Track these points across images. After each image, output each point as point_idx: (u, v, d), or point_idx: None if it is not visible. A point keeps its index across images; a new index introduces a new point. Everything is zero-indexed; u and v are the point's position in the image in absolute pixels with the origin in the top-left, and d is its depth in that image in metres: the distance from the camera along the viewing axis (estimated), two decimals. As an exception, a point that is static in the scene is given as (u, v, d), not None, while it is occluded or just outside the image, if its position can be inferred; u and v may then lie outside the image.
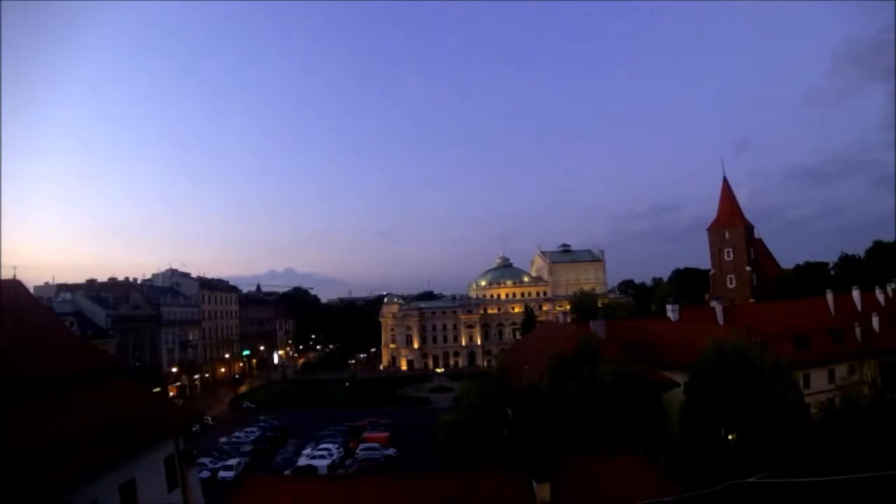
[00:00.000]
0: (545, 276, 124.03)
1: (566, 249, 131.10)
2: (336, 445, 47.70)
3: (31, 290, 27.24)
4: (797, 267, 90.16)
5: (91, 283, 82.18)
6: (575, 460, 20.13)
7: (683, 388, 31.10)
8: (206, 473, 39.35)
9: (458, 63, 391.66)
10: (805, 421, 29.03)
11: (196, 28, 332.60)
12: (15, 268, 22.40)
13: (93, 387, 19.33)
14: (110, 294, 76.34)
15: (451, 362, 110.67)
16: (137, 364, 70.20)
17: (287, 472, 40.78)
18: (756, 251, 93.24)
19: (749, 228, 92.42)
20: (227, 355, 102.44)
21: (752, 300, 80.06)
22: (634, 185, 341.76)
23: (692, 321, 46.80)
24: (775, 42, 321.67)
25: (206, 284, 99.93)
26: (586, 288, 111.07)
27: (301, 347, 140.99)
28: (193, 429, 55.06)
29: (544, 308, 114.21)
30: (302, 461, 44.63)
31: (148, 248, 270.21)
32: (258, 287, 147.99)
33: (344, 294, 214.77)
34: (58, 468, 14.35)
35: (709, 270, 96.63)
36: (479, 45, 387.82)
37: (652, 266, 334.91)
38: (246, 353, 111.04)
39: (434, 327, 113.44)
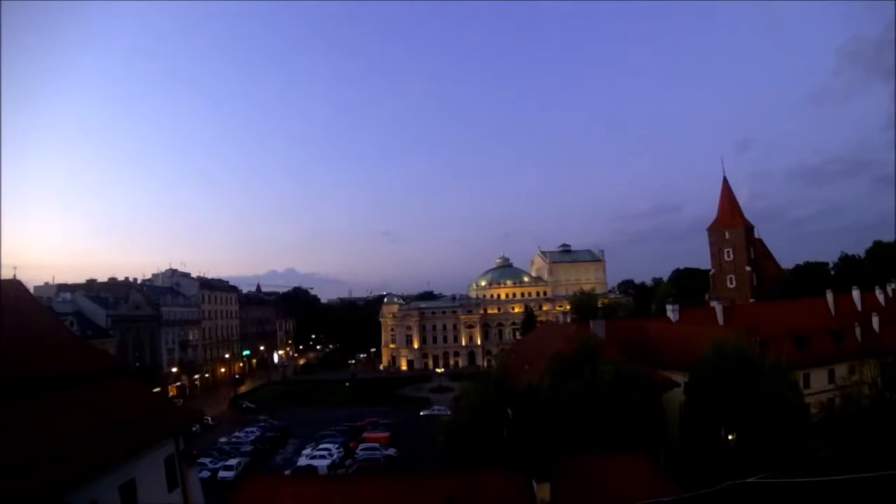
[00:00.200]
0: (545, 276, 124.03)
1: (566, 249, 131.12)
2: (336, 445, 47.70)
3: (31, 290, 27.22)
4: (797, 267, 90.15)
5: (91, 283, 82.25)
6: (575, 460, 20.15)
7: (683, 388, 31.09)
8: (206, 473, 39.33)
9: (459, 63, 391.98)
10: (805, 421, 29.02)
11: (196, 28, 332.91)
12: (15, 268, 22.43)
13: (93, 387, 19.31)
14: (110, 294, 76.40)
15: (451, 362, 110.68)
16: (137, 364, 70.21)
17: (287, 472, 40.77)
18: (756, 251, 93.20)
19: (749, 228, 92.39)
20: (227, 355, 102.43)
21: (752, 300, 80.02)
22: (635, 186, 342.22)
23: (692, 321, 46.77)
24: (778, 41, 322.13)
25: (206, 284, 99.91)
26: (586, 288, 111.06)
27: (301, 347, 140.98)
28: (193, 429, 55.01)
29: (544, 308, 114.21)
30: (302, 461, 44.63)
31: (148, 248, 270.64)
32: (258, 287, 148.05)
33: (344, 294, 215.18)
34: (58, 468, 14.34)
35: (709, 270, 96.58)
36: (481, 45, 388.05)
37: (652, 266, 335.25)
38: (246, 353, 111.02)
39: (434, 327, 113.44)
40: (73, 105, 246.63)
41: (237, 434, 54.84)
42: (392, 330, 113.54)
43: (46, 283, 76.29)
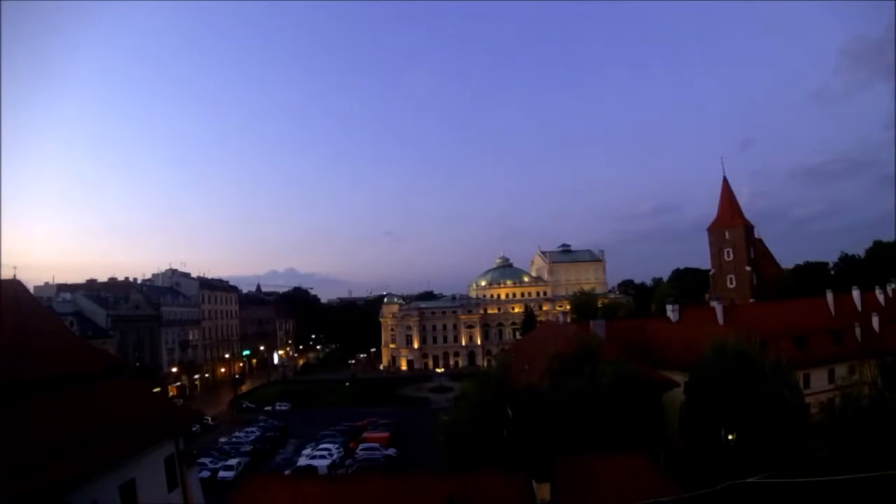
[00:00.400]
0: (545, 276, 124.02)
1: (566, 249, 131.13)
2: (336, 445, 47.71)
3: (31, 290, 27.19)
4: (797, 267, 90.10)
5: (91, 283, 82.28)
6: (575, 460, 20.14)
7: (683, 388, 31.08)
8: (206, 473, 39.33)
9: (461, 63, 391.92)
10: (805, 421, 28.99)
11: (196, 27, 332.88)
12: (15, 268, 22.44)
13: (93, 387, 19.28)
14: (110, 294, 76.41)
15: (451, 362, 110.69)
16: (137, 364, 70.22)
17: (287, 472, 40.77)
18: (756, 251, 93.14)
19: (749, 228, 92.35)
20: (227, 355, 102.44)
21: (752, 300, 79.92)
22: (636, 186, 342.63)
23: (692, 321, 46.74)
24: (780, 41, 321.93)
25: (206, 284, 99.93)
26: (586, 288, 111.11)
27: (301, 347, 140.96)
28: (193, 429, 55.05)
29: (544, 308, 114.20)
30: (302, 461, 44.63)
31: (148, 248, 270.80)
32: (258, 287, 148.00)
33: (344, 294, 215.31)
34: (58, 468, 14.31)
35: (709, 270, 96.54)
36: (483, 45, 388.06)
37: (653, 266, 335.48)
38: (246, 353, 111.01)
39: (434, 327, 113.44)
40: (74, 105, 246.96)
41: (237, 434, 54.85)
42: (392, 330, 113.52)
43: (46, 283, 76.38)
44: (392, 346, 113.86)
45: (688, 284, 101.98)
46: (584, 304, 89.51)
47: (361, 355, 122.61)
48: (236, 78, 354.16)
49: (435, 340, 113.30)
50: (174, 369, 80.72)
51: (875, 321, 48.12)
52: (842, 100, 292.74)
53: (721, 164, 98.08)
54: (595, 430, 24.94)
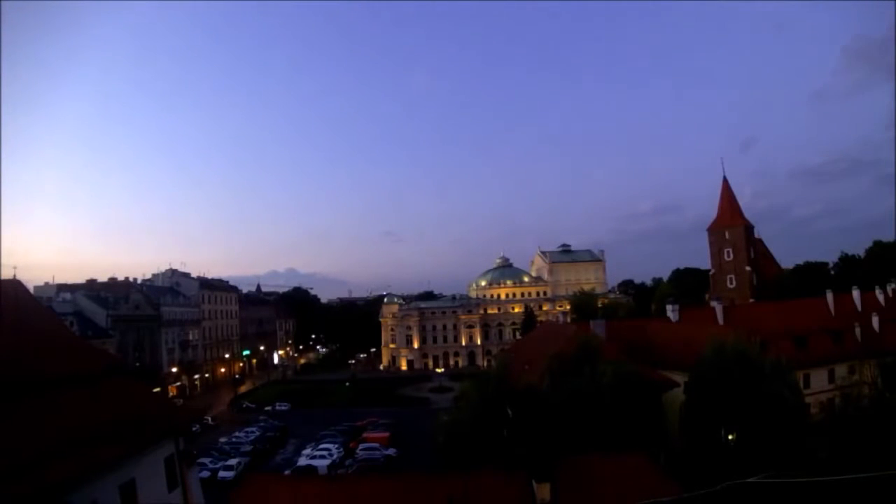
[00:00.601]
0: (545, 276, 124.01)
1: (566, 249, 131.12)
2: (336, 445, 47.70)
3: (31, 290, 27.19)
4: (797, 267, 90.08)
5: (91, 283, 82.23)
6: (575, 460, 20.15)
7: (683, 388, 31.09)
8: (206, 473, 39.32)
9: (461, 63, 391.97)
10: (805, 421, 29.00)
11: (196, 28, 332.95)
12: (15, 268, 22.44)
13: (93, 387, 19.26)
14: (110, 294, 76.37)
15: (451, 362, 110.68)
16: (137, 364, 70.19)
17: (287, 472, 40.77)
18: (756, 251, 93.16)
19: (749, 228, 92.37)
20: (227, 355, 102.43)
21: (752, 300, 79.94)
22: (636, 186, 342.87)
23: (692, 321, 46.76)
24: (782, 40, 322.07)
25: (206, 284, 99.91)
26: (586, 288, 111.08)
27: (301, 347, 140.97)
28: (193, 429, 55.06)
29: (544, 308, 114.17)
30: (302, 461, 44.63)
31: (148, 248, 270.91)
32: (258, 287, 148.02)
33: (344, 294, 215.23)
34: (58, 468, 14.31)
35: (709, 270, 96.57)
36: (483, 46, 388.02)
37: (653, 266, 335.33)
38: (246, 353, 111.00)
39: (434, 327, 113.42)
40: (74, 105, 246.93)
41: (237, 434, 54.84)
42: (392, 330, 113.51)
43: (46, 283, 76.28)
44: (392, 346, 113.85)
45: (688, 284, 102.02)
46: (584, 304, 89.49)
47: (361, 355, 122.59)
48: (236, 79, 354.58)
49: (435, 340, 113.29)
50: (174, 369, 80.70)
51: (875, 321, 48.12)
52: (843, 100, 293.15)
53: (721, 164, 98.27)
54: (595, 430, 24.94)
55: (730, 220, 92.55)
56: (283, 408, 73.61)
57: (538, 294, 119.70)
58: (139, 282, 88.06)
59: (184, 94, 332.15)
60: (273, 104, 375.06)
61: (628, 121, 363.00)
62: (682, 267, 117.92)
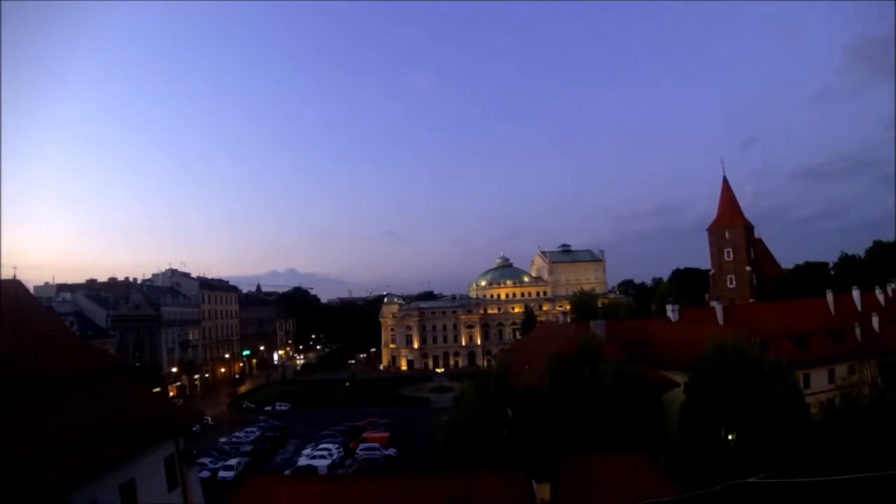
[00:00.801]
0: (545, 276, 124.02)
1: (566, 249, 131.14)
2: (336, 445, 47.70)
3: (31, 290, 27.19)
4: (797, 267, 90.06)
5: (91, 283, 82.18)
6: (575, 460, 20.14)
7: (683, 388, 31.09)
8: (206, 473, 39.31)
9: (462, 64, 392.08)
10: (805, 421, 29.01)
11: (196, 27, 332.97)
12: (15, 268, 22.40)
13: (93, 387, 19.28)
14: (110, 294, 76.34)
15: (451, 362, 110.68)
16: (137, 364, 70.20)
17: (287, 472, 40.77)
18: (756, 251, 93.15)
19: (749, 228, 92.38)
20: (227, 355, 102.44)
21: (752, 300, 79.93)
22: (636, 186, 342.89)
23: (692, 321, 46.77)
24: (784, 39, 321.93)
25: (206, 284, 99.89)
26: (586, 288, 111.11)
27: (301, 347, 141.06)
28: (193, 429, 55.05)
29: (544, 308, 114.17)
30: (302, 461, 44.63)
31: (148, 248, 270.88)
32: (258, 287, 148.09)
33: (344, 294, 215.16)
34: (58, 468, 14.32)
35: (709, 270, 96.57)
36: (484, 46, 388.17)
37: (653, 266, 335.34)
38: (246, 353, 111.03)
39: (434, 327, 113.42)
40: (74, 105, 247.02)
41: (237, 434, 54.84)
42: (392, 330, 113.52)
43: (46, 283, 76.23)
44: (392, 346, 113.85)
45: (688, 284, 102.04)
46: (584, 304, 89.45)
47: (361, 355, 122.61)
48: (236, 78, 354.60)
49: (435, 340, 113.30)
50: (174, 369, 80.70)
51: (875, 321, 48.11)
52: (844, 99, 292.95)
53: (721, 164, 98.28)
54: (595, 430, 24.94)
55: (730, 220, 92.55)
56: (283, 408, 73.66)
57: (538, 294, 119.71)
58: (139, 282, 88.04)
59: (184, 94, 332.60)
60: (273, 104, 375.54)
61: (629, 121, 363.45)
62: (682, 267, 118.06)
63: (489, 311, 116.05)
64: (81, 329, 61.33)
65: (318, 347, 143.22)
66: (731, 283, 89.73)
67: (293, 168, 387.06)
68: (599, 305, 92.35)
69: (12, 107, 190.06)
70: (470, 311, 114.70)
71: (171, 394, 75.22)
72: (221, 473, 42.11)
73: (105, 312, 70.41)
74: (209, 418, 64.08)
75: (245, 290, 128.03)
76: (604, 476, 19.16)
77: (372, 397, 78.84)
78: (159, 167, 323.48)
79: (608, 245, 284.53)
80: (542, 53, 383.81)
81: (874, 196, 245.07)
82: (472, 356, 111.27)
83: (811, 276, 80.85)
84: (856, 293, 52.19)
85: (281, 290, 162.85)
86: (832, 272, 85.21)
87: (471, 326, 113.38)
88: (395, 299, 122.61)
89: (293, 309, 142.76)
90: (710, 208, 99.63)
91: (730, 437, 27.23)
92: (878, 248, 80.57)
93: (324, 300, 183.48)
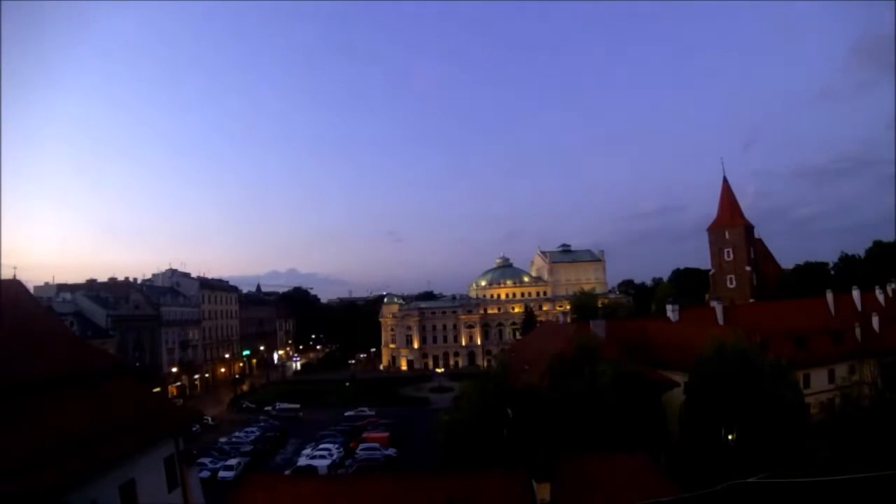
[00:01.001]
0: (545, 276, 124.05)
1: (566, 249, 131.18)
2: (336, 445, 47.71)
3: (31, 290, 27.22)
4: (797, 267, 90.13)
5: (91, 283, 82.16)
6: (575, 460, 20.11)
7: (683, 388, 31.11)
8: (206, 473, 39.33)
9: (462, 64, 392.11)
10: (805, 421, 29.05)
11: (197, 27, 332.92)
12: (15, 268, 22.44)
13: (93, 387, 19.30)
14: (110, 294, 76.35)
15: (451, 362, 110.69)
16: (137, 364, 70.16)
17: (287, 472, 40.77)
18: (756, 251, 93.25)
19: (749, 228, 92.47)
20: (227, 355, 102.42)
21: (752, 300, 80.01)
22: (636, 186, 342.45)
23: (692, 321, 46.80)
24: (788, 38, 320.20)
25: (206, 284, 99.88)
26: (586, 288, 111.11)
27: (301, 347, 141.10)
28: (193, 429, 55.04)
29: (544, 308, 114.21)
30: (302, 461, 44.63)
31: (148, 248, 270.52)
32: (258, 287, 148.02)
33: (344, 294, 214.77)
34: (58, 468, 14.34)
35: (709, 270, 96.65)
36: (484, 46, 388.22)
37: (653, 266, 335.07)
38: (246, 353, 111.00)
39: (434, 327, 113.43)
40: (74, 105, 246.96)
41: (237, 434, 54.82)
42: (392, 330, 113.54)
43: (46, 283, 76.21)
44: (392, 346, 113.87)
45: (688, 284, 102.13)
46: (584, 304, 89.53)
47: (361, 355, 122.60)
48: (237, 77, 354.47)
49: (435, 340, 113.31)
50: (174, 369, 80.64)
51: (875, 321, 48.15)
52: (847, 99, 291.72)
53: (721, 164, 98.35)
54: (595, 430, 24.95)
55: (730, 220, 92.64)
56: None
57: (538, 294, 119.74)
58: (139, 282, 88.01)
59: (184, 94, 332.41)
60: (274, 103, 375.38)
61: (630, 121, 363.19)
62: (682, 267, 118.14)
63: (489, 311, 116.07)
64: (81, 329, 61.33)
65: (318, 347, 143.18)
66: (731, 283, 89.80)
67: (294, 168, 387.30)
68: (599, 305, 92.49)
69: (12, 106, 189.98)
70: (470, 311, 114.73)
71: (171, 394, 75.20)
72: (221, 473, 42.12)
73: (105, 312, 70.42)
74: (209, 418, 64.06)
75: (245, 290, 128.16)
76: (604, 476, 19.14)
77: (372, 397, 78.69)
78: (159, 167, 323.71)
79: (608, 245, 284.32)
80: (543, 54, 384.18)
81: (875, 196, 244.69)
82: (472, 356, 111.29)
83: (811, 276, 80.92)
84: (856, 293, 52.24)
85: (281, 290, 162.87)
86: (832, 272, 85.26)
87: (471, 326, 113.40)
88: (395, 299, 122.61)
89: (293, 309, 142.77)
90: (710, 208, 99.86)
91: (730, 437, 27.25)
92: (878, 248, 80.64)
93: (324, 300, 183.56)
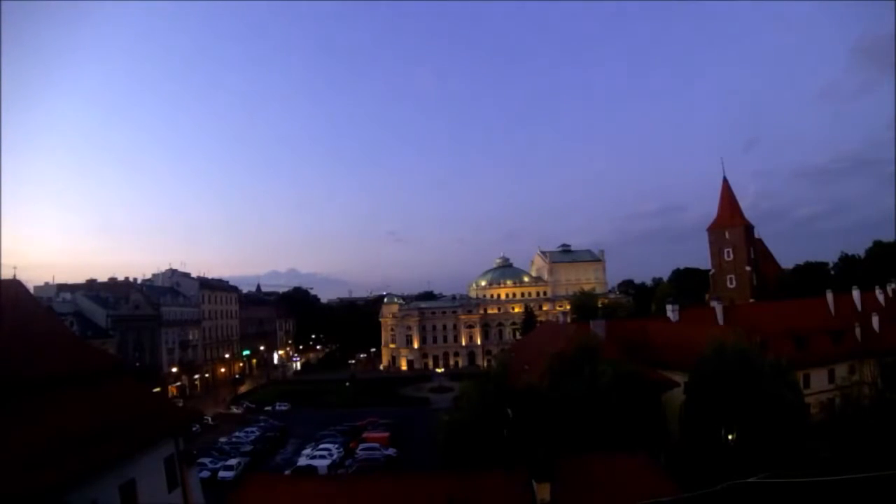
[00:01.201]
0: (545, 276, 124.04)
1: (566, 249, 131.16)
2: (336, 445, 47.71)
3: (31, 290, 27.19)
4: (797, 267, 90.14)
5: (91, 283, 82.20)
6: (575, 460, 20.11)
7: (683, 388, 31.09)
8: (206, 473, 39.30)
9: (462, 64, 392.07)
10: (805, 421, 29.03)
11: (196, 27, 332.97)
12: (15, 268, 22.38)
13: (93, 387, 19.29)
14: (110, 294, 76.39)
15: (451, 362, 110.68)
16: (137, 364, 70.16)
17: (287, 472, 40.76)
18: (756, 251, 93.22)
19: (749, 228, 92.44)
20: (227, 355, 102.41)
21: (752, 300, 79.98)
22: (637, 186, 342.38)
23: (692, 321, 46.76)
24: (788, 38, 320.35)
25: (206, 284, 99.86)
26: (586, 288, 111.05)
27: (301, 347, 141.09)
28: (193, 429, 55.05)
29: (544, 308, 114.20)
30: (302, 461, 44.63)
31: (148, 248, 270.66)
32: (258, 287, 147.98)
33: (344, 294, 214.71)
34: (58, 468, 14.33)
35: (709, 270, 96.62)
36: (484, 46, 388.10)
37: (653, 266, 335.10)
38: (246, 353, 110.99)
39: (434, 327, 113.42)
40: (74, 105, 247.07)
41: (237, 434, 54.83)
42: (392, 330, 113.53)
43: (46, 283, 76.28)
44: (392, 346, 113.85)
45: (688, 284, 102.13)
46: (584, 304, 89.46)
47: (361, 355, 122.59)
48: (237, 78, 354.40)
49: (435, 340, 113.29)
50: (174, 369, 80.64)
51: (875, 321, 48.12)
52: (848, 99, 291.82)
53: (721, 164, 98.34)
54: (595, 430, 24.95)
55: (730, 220, 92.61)
56: (283, 407, 73.50)
57: (538, 294, 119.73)
58: (139, 282, 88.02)
59: (184, 94, 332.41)
60: (274, 103, 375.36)
61: (630, 121, 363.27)
62: (682, 267, 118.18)
63: (489, 311, 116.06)
64: (81, 329, 61.33)
65: (318, 347, 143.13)
66: (731, 283, 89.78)
67: (294, 168, 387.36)
68: (599, 305, 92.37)
69: (12, 106, 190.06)
70: (470, 311, 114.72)
71: (171, 394, 75.19)
72: (221, 473, 42.10)
73: (105, 312, 70.43)
74: (209, 418, 64.08)
75: (245, 290, 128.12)
76: (604, 476, 19.14)
77: (372, 397, 78.68)
78: (159, 167, 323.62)
79: (608, 245, 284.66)
80: (543, 54, 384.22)
81: (875, 196, 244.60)
82: (472, 356, 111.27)
83: (811, 276, 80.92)
84: (856, 293, 52.20)
85: (281, 290, 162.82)
86: (832, 272, 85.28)
87: (471, 326, 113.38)
88: (395, 299, 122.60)
89: (293, 309, 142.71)
90: (710, 208, 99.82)
91: (730, 437, 27.23)
92: (878, 248, 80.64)
93: (324, 300, 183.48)
